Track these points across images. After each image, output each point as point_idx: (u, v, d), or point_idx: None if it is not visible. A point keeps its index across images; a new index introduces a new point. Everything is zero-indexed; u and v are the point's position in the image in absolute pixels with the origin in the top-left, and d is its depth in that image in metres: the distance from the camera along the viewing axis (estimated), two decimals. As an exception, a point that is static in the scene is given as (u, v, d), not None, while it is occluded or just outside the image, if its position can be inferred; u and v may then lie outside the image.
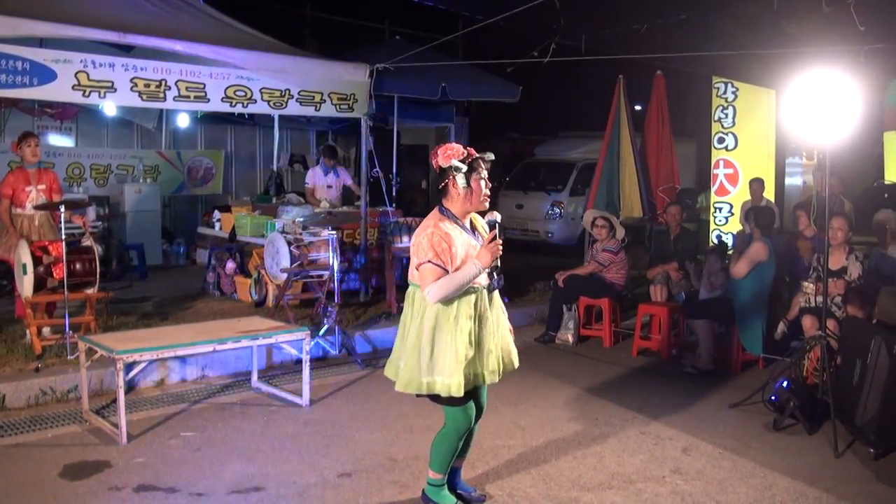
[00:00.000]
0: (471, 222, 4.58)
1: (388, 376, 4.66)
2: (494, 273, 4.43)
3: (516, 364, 4.74)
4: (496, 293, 4.63)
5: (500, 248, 4.36)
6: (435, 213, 4.51)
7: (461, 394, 4.39)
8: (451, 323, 4.37)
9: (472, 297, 4.43)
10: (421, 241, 4.37)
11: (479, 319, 4.48)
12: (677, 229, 9.94)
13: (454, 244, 4.36)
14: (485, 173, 4.47)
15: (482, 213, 4.59)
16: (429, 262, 4.32)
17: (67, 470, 5.35)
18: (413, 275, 4.48)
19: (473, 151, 4.48)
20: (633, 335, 9.08)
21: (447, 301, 4.35)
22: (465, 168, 4.39)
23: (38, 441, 5.88)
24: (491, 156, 4.52)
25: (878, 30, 7.04)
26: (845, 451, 5.91)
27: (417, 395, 4.56)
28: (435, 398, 4.50)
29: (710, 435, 6.25)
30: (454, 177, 4.41)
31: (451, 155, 4.41)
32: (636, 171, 11.12)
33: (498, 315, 4.64)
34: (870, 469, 5.62)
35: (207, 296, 10.37)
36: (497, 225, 4.41)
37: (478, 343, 4.46)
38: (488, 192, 4.49)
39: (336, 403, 6.89)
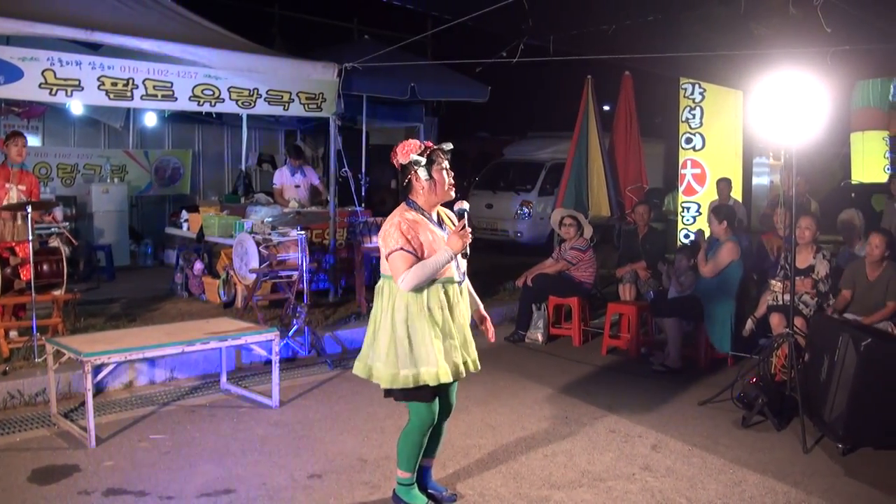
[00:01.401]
0: (438, 215, 4.58)
1: (357, 374, 4.62)
2: (465, 258, 4.46)
3: (478, 366, 4.70)
4: (466, 287, 4.64)
5: (470, 235, 4.38)
6: (402, 206, 4.54)
7: (450, 380, 4.40)
8: (424, 312, 4.38)
9: (442, 287, 4.43)
10: (389, 231, 4.38)
11: (452, 311, 4.49)
12: (645, 229, 9.98)
13: (422, 233, 4.38)
14: (446, 163, 4.49)
15: (450, 205, 4.60)
16: (400, 249, 4.32)
17: (36, 474, 5.27)
18: (384, 266, 4.47)
19: (431, 144, 4.52)
20: (603, 334, 9.11)
21: (417, 290, 4.36)
22: (424, 161, 4.42)
23: (6, 445, 5.79)
24: (449, 145, 4.54)
25: (844, 32, 7.11)
26: (814, 447, 5.96)
27: (385, 395, 4.55)
28: (401, 394, 4.48)
29: (679, 432, 6.28)
30: (415, 171, 4.44)
31: (409, 150, 4.44)
32: (604, 171, 11.15)
33: (464, 307, 4.65)
34: (838, 464, 5.67)
35: (176, 297, 10.28)
36: (466, 214, 4.45)
37: (452, 334, 4.47)
38: (452, 182, 4.51)
39: (306, 404, 6.85)
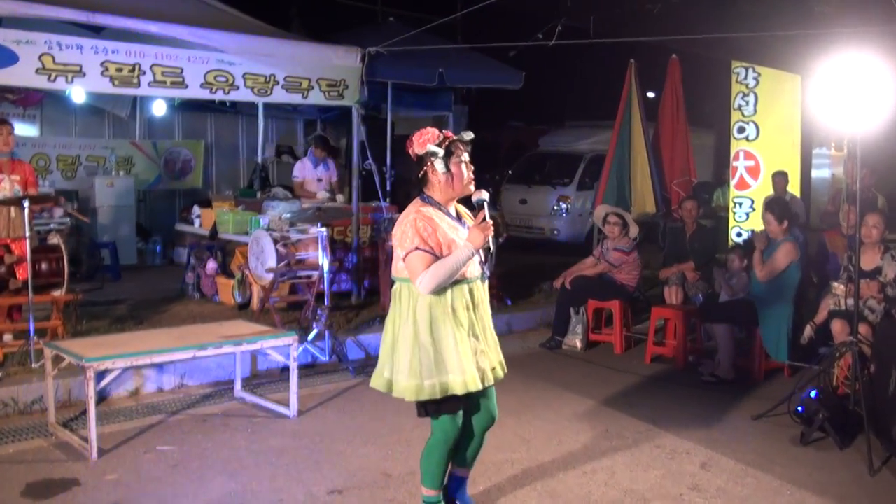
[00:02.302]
0: (456, 211, 4.54)
1: (375, 387, 4.61)
2: (488, 255, 4.44)
3: (505, 369, 4.69)
4: (485, 287, 4.61)
5: (491, 228, 4.34)
6: (416, 201, 4.50)
7: (479, 387, 4.39)
8: (448, 315, 4.36)
9: (466, 286, 4.41)
10: (405, 230, 4.35)
11: (476, 312, 4.48)
12: (693, 226, 9.90)
13: (439, 230, 4.35)
14: (465, 156, 4.45)
15: (468, 199, 4.57)
16: (416, 249, 4.30)
17: (31, 489, 5.28)
18: (398, 269, 4.45)
19: (450, 134, 4.49)
20: (647, 340, 9.05)
21: (439, 292, 4.33)
22: (441, 152, 4.38)
23: None
24: (470, 135, 4.51)
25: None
26: (881, 469, 5.85)
27: (419, 413, 4.54)
28: (432, 408, 4.46)
29: (731, 449, 6.21)
30: (432, 163, 4.41)
31: (426, 140, 4.42)
32: (649, 164, 11.08)
33: (487, 308, 4.64)
34: (906, 486, 5.58)
35: (186, 298, 10.32)
36: (486, 204, 4.40)
37: (480, 337, 4.47)
38: (472, 175, 4.48)
39: (326, 414, 6.85)
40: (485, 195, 4.44)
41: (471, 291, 4.44)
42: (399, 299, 4.48)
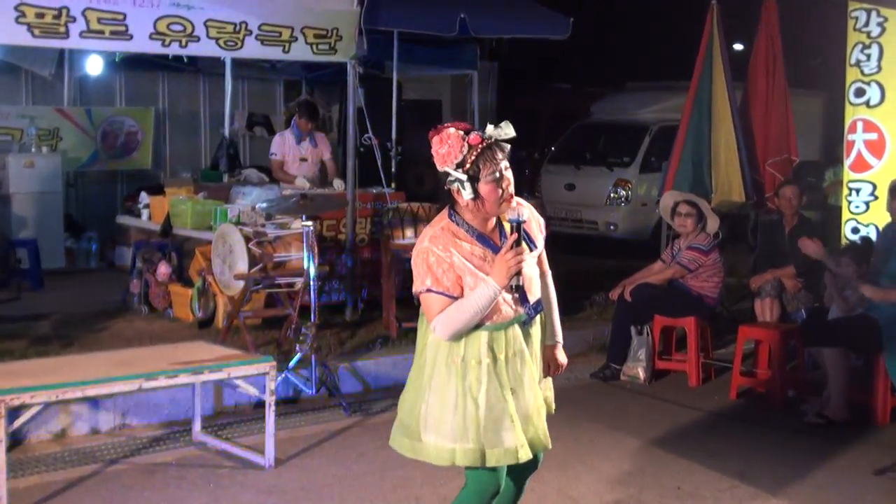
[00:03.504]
0: (497, 226, 4.52)
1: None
2: (518, 293, 4.35)
3: (549, 444, 4.65)
4: (539, 317, 4.60)
5: (523, 259, 4.26)
6: (443, 215, 4.50)
7: (474, 463, 4.38)
8: (455, 368, 4.38)
9: (488, 335, 4.39)
10: (416, 261, 4.40)
11: (507, 365, 4.44)
12: (794, 219, 9.87)
13: (459, 263, 4.33)
14: (501, 166, 4.34)
15: None
16: (428, 290, 4.34)
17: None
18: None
19: (477, 139, 4.34)
20: (732, 370, 9.03)
21: (457, 336, 4.37)
22: (464, 178, 4.32)
23: None
24: (508, 132, 4.38)
25: None
26: None
27: None
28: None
29: (843, 512, 6.20)
30: (456, 187, 4.38)
31: (445, 157, 4.35)
32: (735, 138, 11.03)
33: (538, 347, 4.64)
34: None
35: (131, 312, 10.36)
36: (520, 226, 4.30)
37: (503, 403, 4.40)
38: (510, 192, 4.39)
39: (312, 464, 6.86)
40: (523, 213, 4.34)
41: (493, 342, 4.41)
42: (421, 324, 4.58)
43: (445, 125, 4.41)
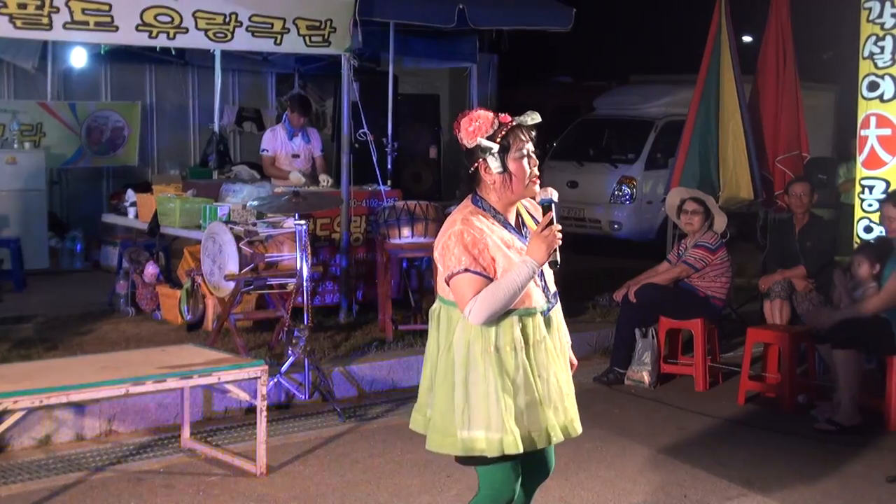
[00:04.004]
0: (517, 216, 4.59)
1: (414, 429, 4.69)
2: (555, 267, 4.48)
3: (578, 428, 4.74)
4: (559, 309, 4.68)
5: (559, 236, 4.37)
6: (466, 203, 4.55)
7: (519, 450, 4.42)
8: (489, 356, 4.41)
9: (519, 320, 4.45)
10: (449, 245, 4.40)
11: (535, 351, 4.51)
12: (805, 218, 9.87)
13: (493, 245, 4.40)
14: (528, 146, 4.49)
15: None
16: (465, 271, 4.35)
17: None
18: (443, 289, 4.53)
19: (508, 118, 4.50)
20: (740, 374, 9.04)
21: (489, 323, 4.40)
22: (496, 147, 4.42)
23: None
24: (535, 118, 4.53)
25: None
26: None
27: (458, 459, 4.60)
28: (464, 457, 4.52)
29: (855, 521, 6.22)
30: (484, 160, 4.45)
31: (476, 130, 4.45)
32: (744, 133, 11.04)
33: (563, 339, 4.74)
34: None
35: (117, 314, 10.37)
36: (553, 205, 4.43)
37: (533, 387, 4.48)
38: (536, 172, 4.52)
39: (304, 472, 6.86)
40: (553, 194, 4.47)
41: (524, 328, 4.48)
42: (437, 323, 4.57)
43: (473, 110, 4.54)
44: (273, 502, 6.31)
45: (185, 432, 7.33)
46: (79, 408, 7.34)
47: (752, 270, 11.51)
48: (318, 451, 7.27)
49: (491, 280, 4.36)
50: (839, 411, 8.09)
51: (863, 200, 10.66)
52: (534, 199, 4.57)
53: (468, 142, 4.45)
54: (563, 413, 4.62)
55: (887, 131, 10.48)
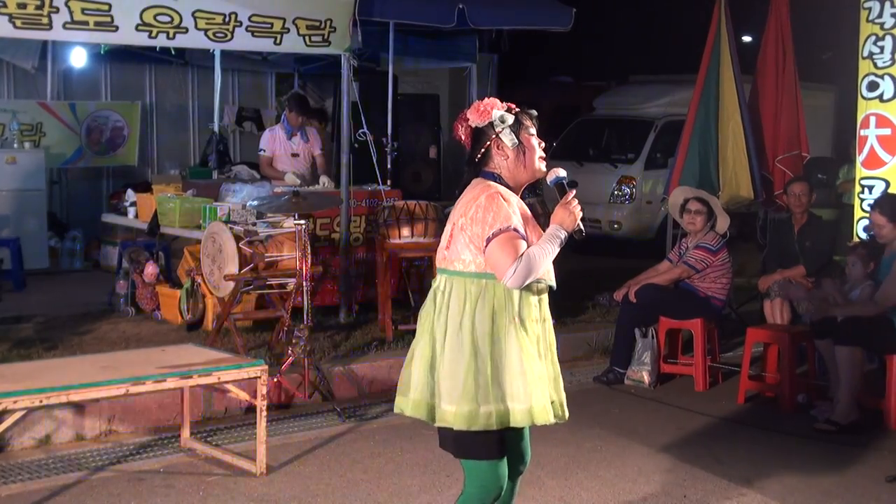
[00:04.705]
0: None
1: (410, 414, 4.69)
2: (577, 237, 4.67)
3: (566, 413, 4.76)
4: (546, 302, 4.73)
5: (579, 211, 4.61)
6: (478, 181, 4.64)
7: (550, 420, 4.51)
8: (516, 326, 4.48)
9: (536, 293, 4.58)
10: (483, 206, 4.47)
11: (544, 328, 4.65)
12: (804, 217, 9.86)
13: (522, 212, 4.57)
14: (534, 129, 4.68)
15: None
16: (510, 229, 4.43)
17: None
18: (447, 257, 4.57)
19: (514, 105, 4.70)
20: (740, 374, 9.04)
21: (508, 295, 4.47)
22: (512, 118, 4.59)
23: None
24: (534, 112, 4.75)
25: None
26: None
27: (442, 443, 4.63)
28: (460, 446, 4.53)
29: (855, 521, 6.22)
30: (497, 135, 4.59)
31: (485, 112, 4.60)
32: (744, 133, 11.03)
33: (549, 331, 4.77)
34: None
35: (117, 314, 10.36)
36: (565, 182, 4.70)
37: (544, 362, 4.60)
38: (543, 153, 4.71)
39: (304, 472, 6.86)
40: (562, 172, 4.69)
41: (540, 300, 4.62)
42: (445, 300, 4.56)
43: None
44: (273, 502, 6.31)
45: (185, 432, 7.33)
46: (79, 408, 7.34)
47: (752, 270, 11.51)
48: (318, 451, 7.27)
49: (528, 243, 4.47)
50: (836, 409, 8.08)
51: (863, 200, 10.66)
52: (543, 178, 4.73)
53: (480, 121, 4.59)
54: (559, 395, 4.69)
55: (887, 131, 10.49)
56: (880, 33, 10.55)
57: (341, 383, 8.61)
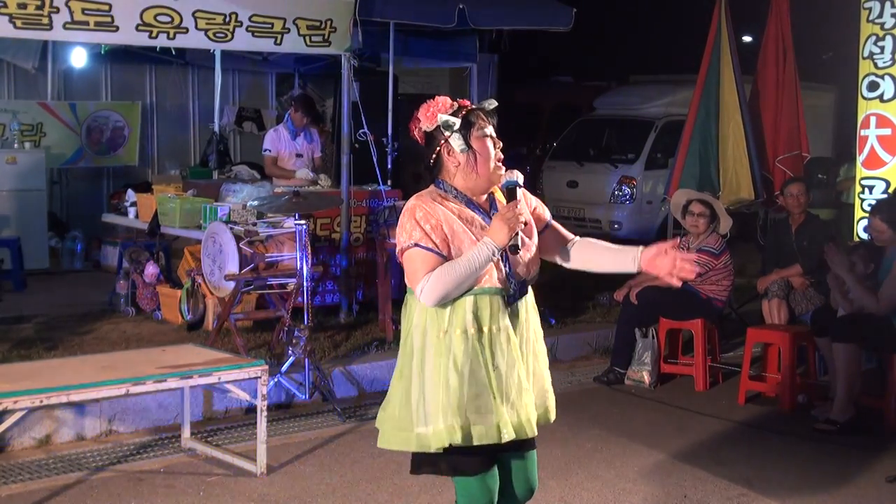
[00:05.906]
0: (491, 200, 4.54)
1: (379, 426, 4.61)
2: (515, 251, 4.35)
3: (552, 416, 4.65)
4: (529, 302, 4.58)
5: (521, 218, 4.30)
6: (429, 189, 4.52)
7: (455, 441, 4.28)
8: (441, 343, 4.33)
9: (474, 301, 4.35)
10: (402, 221, 4.37)
11: (491, 339, 4.38)
12: (801, 217, 9.85)
13: (448, 222, 4.33)
14: (490, 129, 4.45)
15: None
16: (415, 245, 4.29)
17: None
18: (407, 276, 4.44)
19: (467, 102, 4.48)
20: (740, 374, 9.04)
21: (443, 305, 4.32)
22: (457, 123, 4.37)
23: None
24: (493, 104, 4.52)
25: None
26: None
27: (414, 469, 4.52)
28: (437, 465, 4.44)
29: (855, 521, 6.22)
30: (446, 140, 4.40)
31: (435, 112, 4.40)
32: (744, 133, 11.04)
33: (530, 335, 4.58)
34: None
35: (117, 314, 10.36)
36: (518, 188, 4.41)
37: (485, 378, 4.35)
38: (500, 154, 4.47)
39: (305, 472, 6.86)
40: (517, 176, 4.43)
41: (478, 311, 4.36)
42: (405, 313, 4.51)
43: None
44: (273, 502, 6.31)
45: (186, 432, 7.34)
46: (79, 408, 7.34)
47: (752, 270, 11.51)
48: (319, 451, 7.27)
49: (444, 258, 4.28)
50: (834, 406, 8.07)
51: (863, 200, 10.67)
52: (498, 183, 4.48)
53: (429, 125, 4.41)
54: (520, 411, 4.41)
55: (887, 131, 10.50)
56: (880, 33, 10.56)
57: (341, 383, 8.62)
